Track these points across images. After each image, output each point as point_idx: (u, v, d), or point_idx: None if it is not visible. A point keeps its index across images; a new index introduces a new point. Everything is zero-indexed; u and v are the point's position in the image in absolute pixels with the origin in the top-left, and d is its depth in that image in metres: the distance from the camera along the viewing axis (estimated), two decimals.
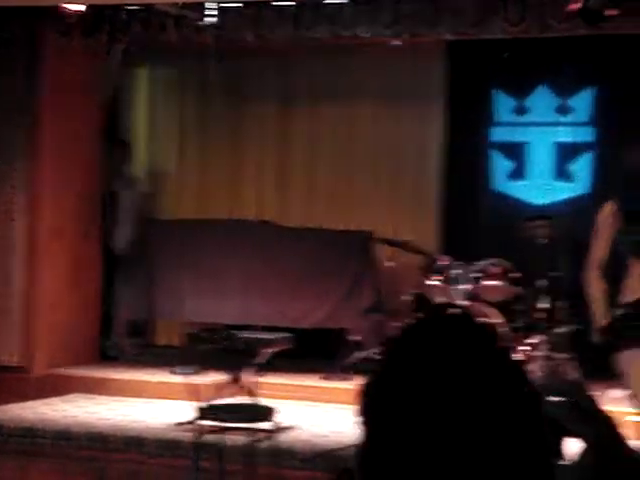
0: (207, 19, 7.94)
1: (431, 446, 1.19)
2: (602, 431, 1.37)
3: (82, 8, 8.09)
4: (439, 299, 8.26)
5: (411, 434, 1.21)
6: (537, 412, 1.24)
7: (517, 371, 1.25)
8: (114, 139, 9.80)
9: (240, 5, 8.34)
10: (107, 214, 9.48)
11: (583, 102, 9.36)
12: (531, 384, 1.25)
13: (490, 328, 1.28)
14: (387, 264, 8.77)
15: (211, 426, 5.79)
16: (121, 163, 9.76)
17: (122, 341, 9.64)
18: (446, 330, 1.26)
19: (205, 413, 5.75)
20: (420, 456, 1.19)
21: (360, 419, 1.26)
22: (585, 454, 1.38)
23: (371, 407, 1.25)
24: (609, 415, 1.42)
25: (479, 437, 1.18)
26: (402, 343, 1.27)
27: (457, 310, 7.90)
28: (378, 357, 1.28)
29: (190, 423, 6.64)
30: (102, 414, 7.79)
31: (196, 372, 5.63)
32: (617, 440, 1.40)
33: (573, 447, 1.43)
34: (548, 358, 8.04)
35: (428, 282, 8.35)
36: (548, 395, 1.40)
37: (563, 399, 1.39)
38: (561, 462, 1.39)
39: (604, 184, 9.25)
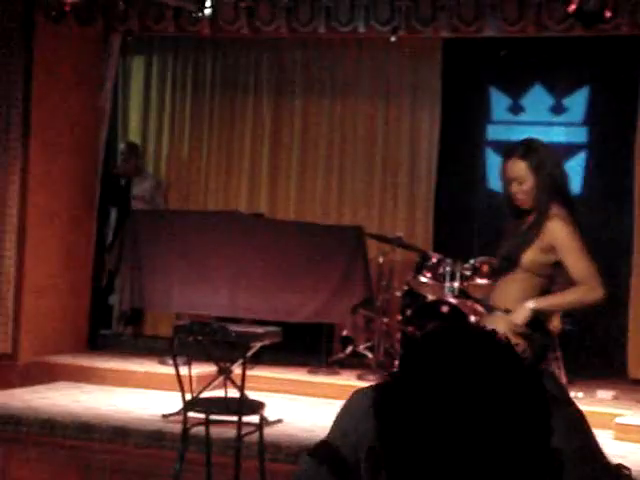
0: (205, 11, 7.95)
1: (441, 452, 1.20)
2: (570, 416, 1.38)
3: None
4: (429, 296, 8.26)
5: (422, 439, 1.22)
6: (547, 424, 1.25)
7: (533, 383, 1.25)
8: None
9: None
10: (107, 202, 9.57)
11: (577, 102, 9.37)
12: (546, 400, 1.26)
13: (511, 345, 1.29)
14: (378, 260, 8.76)
15: (198, 418, 5.78)
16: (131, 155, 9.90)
17: (117, 330, 9.69)
18: (465, 340, 1.27)
19: (192, 405, 5.73)
20: (429, 462, 1.20)
21: (373, 420, 1.27)
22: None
23: (383, 410, 1.26)
24: (574, 402, 1.43)
25: (489, 445, 1.20)
26: (420, 349, 1.28)
27: (446, 307, 7.91)
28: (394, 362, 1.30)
29: (177, 415, 6.63)
30: (88, 403, 7.76)
31: (185, 364, 5.61)
32: (585, 428, 1.41)
33: None
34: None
35: (419, 279, 8.35)
36: None
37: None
38: None
39: (597, 184, 9.28)
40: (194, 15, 8.10)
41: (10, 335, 8.58)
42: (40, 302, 8.69)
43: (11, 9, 8.47)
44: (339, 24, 8.34)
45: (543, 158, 4.54)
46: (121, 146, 10.11)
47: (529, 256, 4.53)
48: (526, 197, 4.56)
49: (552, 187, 4.52)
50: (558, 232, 4.49)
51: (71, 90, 8.95)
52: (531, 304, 4.43)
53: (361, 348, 8.82)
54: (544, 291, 4.58)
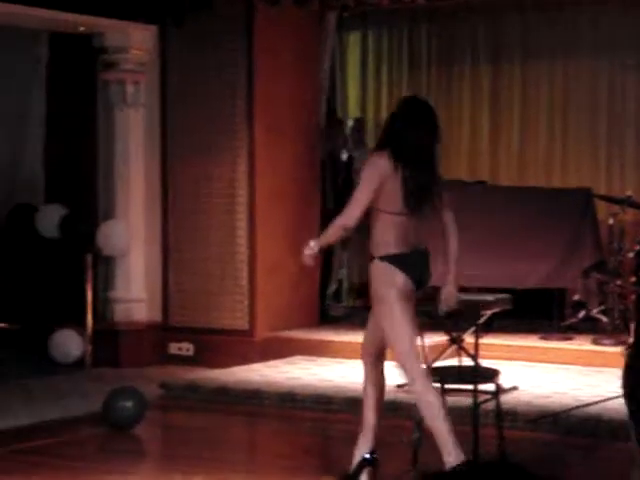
0: None
1: None
2: None
3: None
4: None
5: None
6: None
7: None
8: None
9: None
10: (328, 178, 9.72)
11: None
12: None
13: None
14: (608, 222, 8.53)
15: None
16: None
17: (347, 303, 9.88)
18: None
19: None
20: None
21: None
22: None
23: None
24: None
25: None
26: None
27: None
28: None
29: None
30: (324, 376, 7.94)
31: (418, 334, 5.65)
32: None
33: None
34: None
35: None
36: None
37: None
38: None
39: None
40: None
41: (247, 312, 8.89)
42: (273, 279, 8.95)
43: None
44: None
45: (399, 112, 4.92)
46: (350, 122, 10.25)
47: None
48: None
49: (388, 137, 4.89)
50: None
51: (291, 71, 9.15)
52: (312, 242, 5.05)
53: (594, 312, 8.63)
54: (395, 226, 5.01)
